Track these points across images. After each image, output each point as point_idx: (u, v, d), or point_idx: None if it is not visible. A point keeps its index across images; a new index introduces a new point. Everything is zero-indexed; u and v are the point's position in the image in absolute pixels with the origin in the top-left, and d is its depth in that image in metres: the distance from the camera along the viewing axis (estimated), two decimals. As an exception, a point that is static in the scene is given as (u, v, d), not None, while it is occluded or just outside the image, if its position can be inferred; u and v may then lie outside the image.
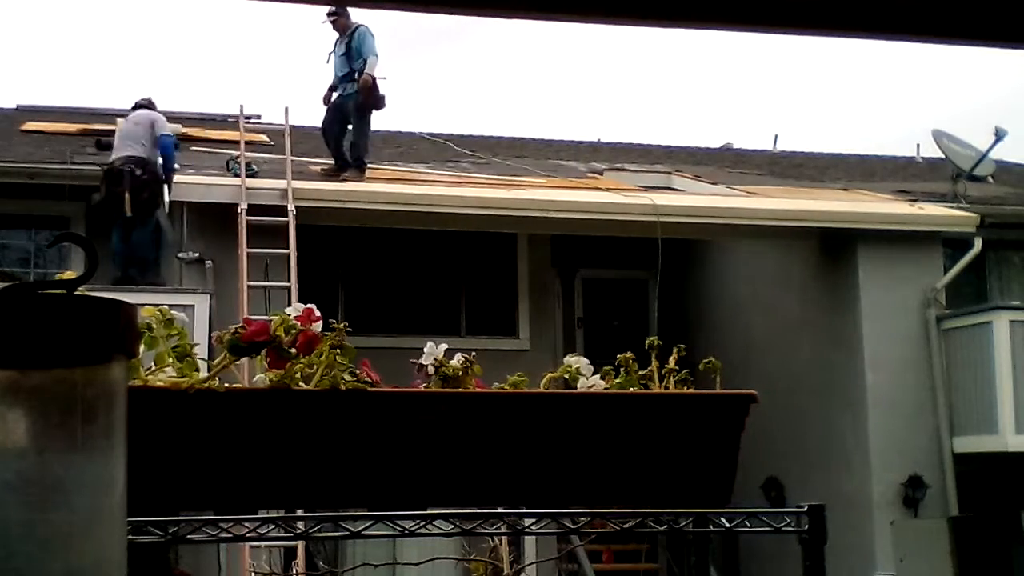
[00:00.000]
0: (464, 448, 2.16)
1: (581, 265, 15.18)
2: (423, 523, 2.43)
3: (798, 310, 13.47)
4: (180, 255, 11.10)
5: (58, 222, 12.16)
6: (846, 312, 12.67)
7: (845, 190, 14.90)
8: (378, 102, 11.98)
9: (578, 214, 12.31)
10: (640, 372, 2.38)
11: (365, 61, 11.81)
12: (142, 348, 2.00)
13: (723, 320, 14.79)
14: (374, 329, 11.67)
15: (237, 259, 10.67)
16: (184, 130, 13.76)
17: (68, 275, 1.21)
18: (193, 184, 11.47)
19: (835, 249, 12.91)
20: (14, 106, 16.50)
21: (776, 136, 20.52)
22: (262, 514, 2.55)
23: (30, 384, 1.07)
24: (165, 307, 2.09)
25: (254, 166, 11.90)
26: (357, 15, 12.21)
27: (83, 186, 11.47)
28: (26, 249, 12.63)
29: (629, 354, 2.39)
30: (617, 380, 2.36)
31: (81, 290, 1.11)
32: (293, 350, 2.07)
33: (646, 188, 14.24)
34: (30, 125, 14.70)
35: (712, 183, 15.03)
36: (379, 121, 12.55)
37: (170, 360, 2.06)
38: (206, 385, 2.04)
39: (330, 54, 12.26)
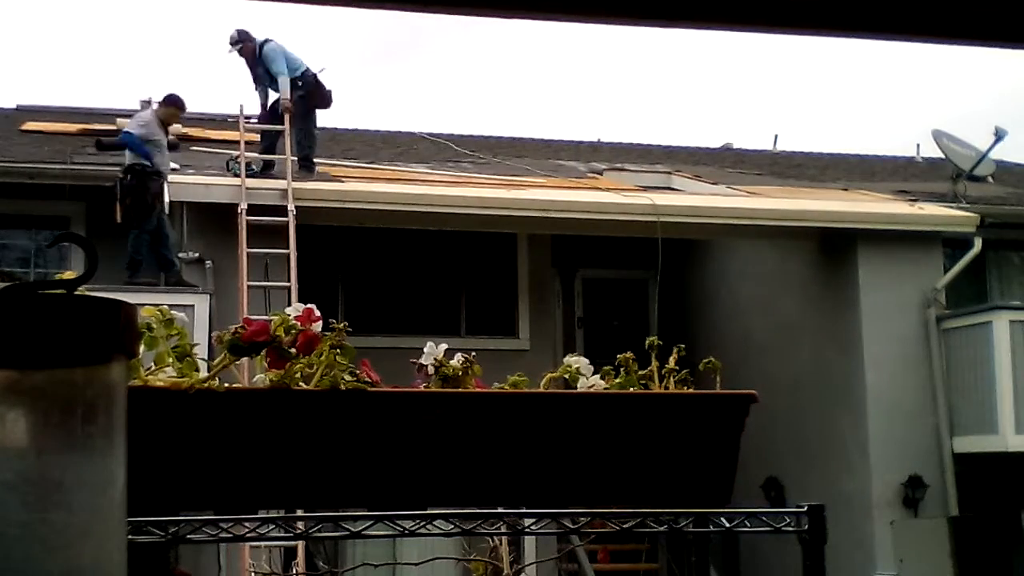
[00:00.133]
0: (464, 448, 2.16)
1: (581, 265, 15.18)
2: (423, 523, 2.43)
3: (798, 310, 13.46)
4: (180, 255, 11.11)
5: (58, 222, 12.17)
6: (846, 312, 12.66)
7: (845, 190, 14.89)
8: (322, 100, 11.89)
9: (578, 214, 12.31)
10: (640, 372, 2.38)
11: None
12: (142, 348, 2.00)
13: (723, 320, 14.78)
14: (374, 329, 11.66)
15: (237, 259, 10.68)
16: (184, 130, 13.77)
17: (68, 275, 1.21)
18: (193, 184, 11.48)
19: (835, 249, 12.90)
20: (14, 106, 16.50)
21: (776, 136, 20.60)
22: (262, 514, 2.54)
23: (30, 384, 1.07)
24: (165, 307, 2.09)
25: (254, 166, 11.90)
26: (263, 31, 11.94)
27: (83, 186, 11.48)
28: (26, 249, 12.63)
29: (629, 354, 2.39)
30: (617, 380, 2.36)
31: (81, 290, 1.11)
32: (293, 350, 2.07)
33: (646, 188, 14.24)
34: (30, 125, 14.71)
35: (712, 183, 15.03)
36: (379, 121, 12.59)
37: (170, 360, 2.06)
38: (206, 385, 2.04)
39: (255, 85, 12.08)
